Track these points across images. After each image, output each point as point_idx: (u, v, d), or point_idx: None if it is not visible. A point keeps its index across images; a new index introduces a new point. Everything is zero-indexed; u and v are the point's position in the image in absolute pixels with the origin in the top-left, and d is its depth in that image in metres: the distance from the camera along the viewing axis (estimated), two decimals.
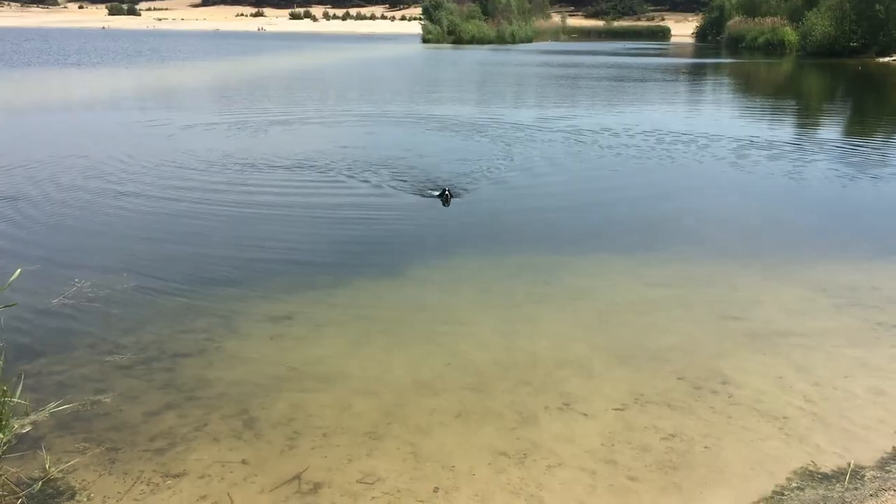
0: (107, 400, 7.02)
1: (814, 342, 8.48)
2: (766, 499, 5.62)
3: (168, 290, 9.77)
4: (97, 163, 17.65)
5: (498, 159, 18.95)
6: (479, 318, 9.07)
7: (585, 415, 6.82)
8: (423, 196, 14.77)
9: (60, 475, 5.81)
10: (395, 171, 17.16)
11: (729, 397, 7.16)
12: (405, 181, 16.08)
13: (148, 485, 5.75)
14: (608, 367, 7.79)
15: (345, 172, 16.86)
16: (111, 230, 12.44)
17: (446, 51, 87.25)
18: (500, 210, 14.13)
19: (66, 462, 5.96)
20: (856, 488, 5.72)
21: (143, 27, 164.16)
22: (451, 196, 14.38)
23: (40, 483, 5.69)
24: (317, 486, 5.77)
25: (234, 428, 6.56)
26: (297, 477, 5.87)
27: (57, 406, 6.72)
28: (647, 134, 23.36)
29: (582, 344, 8.33)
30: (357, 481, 5.83)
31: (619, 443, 6.37)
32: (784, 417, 6.79)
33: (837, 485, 5.75)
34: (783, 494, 5.64)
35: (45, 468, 5.86)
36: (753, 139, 22.61)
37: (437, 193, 14.56)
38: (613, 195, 15.65)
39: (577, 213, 14.25)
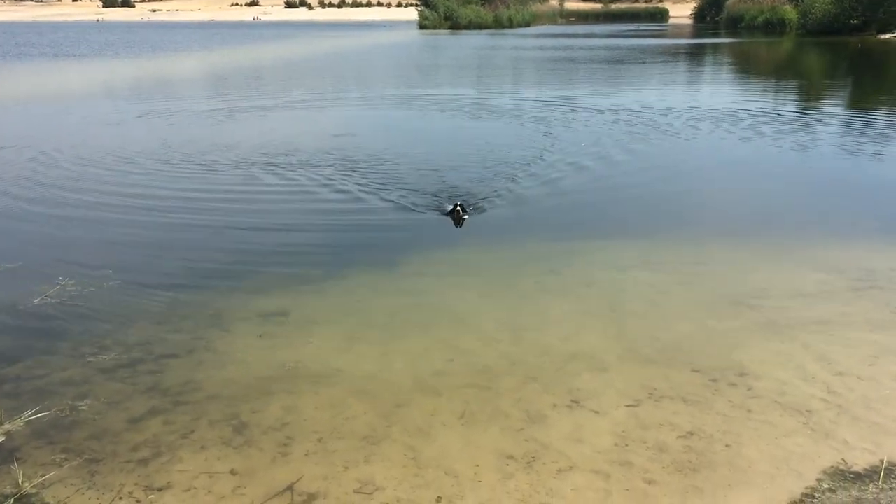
0: (88, 406, 6.61)
1: (833, 328, 8.06)
2: (795, 502, 5.21)
3: (155, 287, 9.36)
4: (77, 156, 17.17)
5: (499, 141, 18.49)
6: (483, 311, 8.66)
7: (597, 412, 6.41)
8: (427, 210, 12.67)
9: (34, 490, 5.40)
10: (391, 157, 16.72)
11: (748, 390, 6.75)
12: (401, 167, 15.65)
13: (128, 500, 5.34)
14: (619, 360, 7.38)
15: (336, 161, 16.41)
16: (95, 227, 12.01)
17: (444, 37, 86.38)
18: (502, 196, 13.66)
19: (42, 476, 5.56)
20: (891, 488, 5.31)
21: (138, 19, 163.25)
22: (465, 213, 11.96)
23: (12, 500, 5.28)
24: (311, 498, 5.37)
25: (222, 434, 6.16)
26: (290, 488, 5.47)
27: (33, 414, 6.33)
28: (654, 112, 22.88)
29: (591, 336, 7.92)
30: (354, 491, 5.42)
31: (634, 442, 5.96)
32: (808, 411, 6.38)
33: (871, 485, 5.34)
34: (814, 497, 5.23)
35: (17, 483, 5.45)
36: (761, 116, 22.10)
37: (449, 210, 12.10)
38: (620, 177, 15.20)
39: (584, 197, 13.83)
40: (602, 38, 76.11)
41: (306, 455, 5.85)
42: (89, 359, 7.50)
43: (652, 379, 6.98)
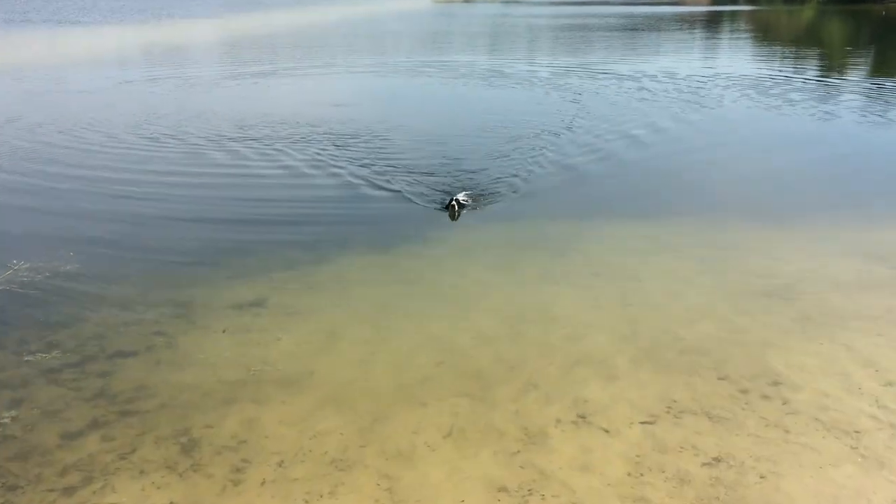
0: (20, 416, 5.75)
1: (879, 325, 7.07)
2: None
3: (119, 271, 8.47)
4: (47, 127, 16.17)
5: (510, 111, 17.43)
6: (480, 302, 7.71)
7: (606, 431, 5.47)
8: (425, 195, 11.17)
9: None
10: (391, 130, 15.72)
11: (784, 404, 5.78)
12: (400, 141, 14.67)
13: None
14: (633, 363, 6.42)
15: (331, 135, 15.40)
16: (56, 205, 11.05)
17: (457, 5, 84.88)
18: (505, 171, 12.63)
19: None
20: None
21: None
22: (463, 207, 10.41)
23: None
24: None
25: (168, 455, 5.26)
26: None
27: None
28: (676, 81, 21.67)
29: (601, 334, 6.96)
30: None
31: (651, 471, 5.02)
32: (856, 432, 5.42)
33: None
34: None
35: None
36: (785, 84, 20.88)
37: (446, 203, 10.49)
38: (639, 151, 14.11)
39: (598, 173, 12.75)
40: (620, 6, 74.29)
41: (262, 485, 4.94)
42: (32, 357, 6.62)
43: (671, 388, 6.03)
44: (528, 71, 25.24)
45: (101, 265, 8.64)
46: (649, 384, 6.09)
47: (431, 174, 12.28)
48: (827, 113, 17.48)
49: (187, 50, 36.18)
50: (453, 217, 10.14)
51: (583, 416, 5.64)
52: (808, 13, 62.88)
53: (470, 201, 10.65)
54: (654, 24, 49.56)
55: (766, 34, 44.90)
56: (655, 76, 23.20)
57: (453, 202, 10.31)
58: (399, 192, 11.46)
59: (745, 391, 5.95)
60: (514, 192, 11.34)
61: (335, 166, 12.88)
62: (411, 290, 8.14)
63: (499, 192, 11.37)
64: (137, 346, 6.86)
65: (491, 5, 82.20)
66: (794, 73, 24.61)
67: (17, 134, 15.44)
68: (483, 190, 11.41)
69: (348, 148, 14.06)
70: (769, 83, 21.71)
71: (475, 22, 55.86)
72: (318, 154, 13.67)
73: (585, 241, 9.44)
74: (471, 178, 11.97)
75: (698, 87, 20.96)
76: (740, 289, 7.96)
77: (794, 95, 19.65)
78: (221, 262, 8.83)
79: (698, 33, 44.49)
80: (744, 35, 43.96)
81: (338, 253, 9.07)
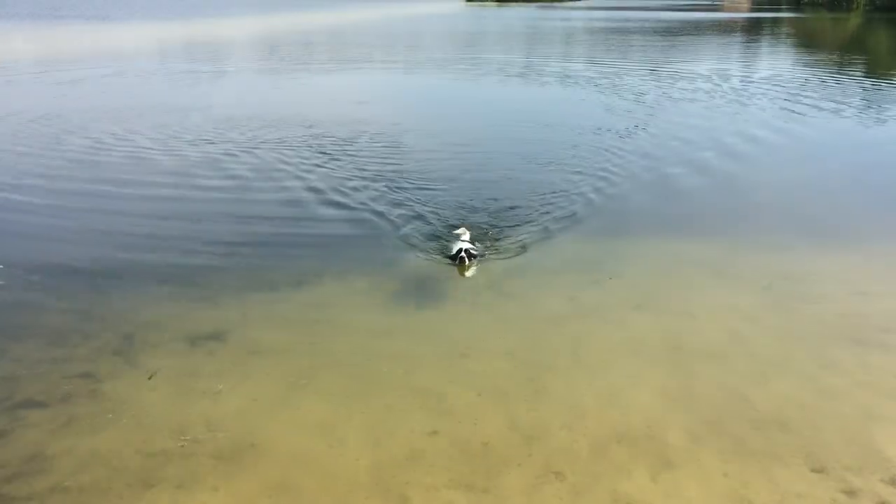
0: None
1: None
2: None
3: (59, 293, 7.06)
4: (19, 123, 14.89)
5: (543, 113, 15.86)
6: (492, 346, 6.11)
7: None
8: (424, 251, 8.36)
9: None
10: (404, 133, 14.20)
11: None
12: (411, 148, 13.12)
13: None
14: (691, 440, 4.78)
15: (336, 139, 13.53)
16: None
17: (491, 9, 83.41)
18: (530, 178, 10.95)
19: None
20: None
21: None
22: (473, 258, 7.82)
23: None
24: None
25: None
26: None
27: None
28: (732, 83, 19.99)
29: (648, 393, 5.32)
30: None
31: None
32: None
33: None
34: None
35: None
36: (845, 95, 19.08)
37: (453, 252, 7.97)
38: (692, 158, 12.29)
39: (644, 182, 10.97)
40: (660, 12, 72.37)
41: None
42: None
43: (745, 483, 4.37)
44: (566, 75, 23.65)
45: (39, 283, 7.19)
46: (715, 475, 4.44)
47: (445, 191, 10.26)
48: None
49: (226, 47, 34.96)
50: (462, 268, 7.77)
51: None
52: (854, 20, 60.65)
53: (481, 248, 8.21)
54: (694, 29, 47.68)
55: (811, 41, 42.80)
56: (710, 77, 21.72)
57: (462, 254, 7.80)
58: (401, 202, 9.69)
59: (852, 493, 4.28)
60: (538, 192, 9.42)
61: (333, 175, 10.98)
62: (404, 324, 6.59)
63: (526, 232, 8.79)
64: (52, 395, 5.39)
65: (526, 10, 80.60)
66: (850, 79, 22.73)
67: None
68: (502, 226, 8.97)
69: (356, 156, 12.16)
70: (825, 90, 19.86)
71: (511, 26, 54.35)
72: (320, 164, 11.73)
73: (626, 264, 7.78)
74: (494, 207, 9.61)
75: (756, 93, 19.20)
76: (823, 333, 6.29)
77: (859, 101, 17.84)
78: (187, 280, 7.40)
79: (739, 38, 42.50)
80: (789, 42, 41.88)
81: (321, 277, 7.49)
